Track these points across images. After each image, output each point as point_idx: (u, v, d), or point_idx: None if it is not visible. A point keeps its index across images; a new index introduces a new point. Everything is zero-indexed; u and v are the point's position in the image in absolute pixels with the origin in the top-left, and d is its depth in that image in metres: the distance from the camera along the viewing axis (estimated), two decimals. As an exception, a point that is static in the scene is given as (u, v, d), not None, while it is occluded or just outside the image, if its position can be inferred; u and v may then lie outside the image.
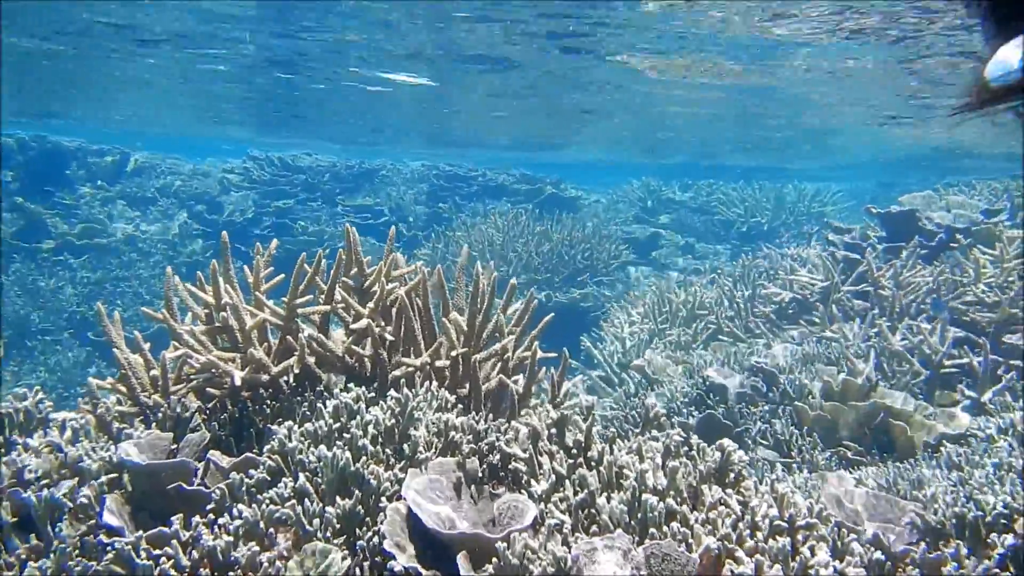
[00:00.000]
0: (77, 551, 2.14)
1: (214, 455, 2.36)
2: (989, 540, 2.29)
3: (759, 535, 1.86)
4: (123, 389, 2.78)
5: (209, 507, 2.25)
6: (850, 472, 3.53)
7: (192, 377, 2.80)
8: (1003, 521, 2.34)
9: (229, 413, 2.61)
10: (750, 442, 3.95)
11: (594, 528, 2.02)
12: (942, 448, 3.53)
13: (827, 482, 2.81)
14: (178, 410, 2.62)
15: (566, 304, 9.57)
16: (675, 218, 15.52)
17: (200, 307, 2.89)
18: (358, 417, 2.31)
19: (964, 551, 2.17)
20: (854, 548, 1.98)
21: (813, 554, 1.87)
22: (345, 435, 2.28)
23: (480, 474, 2.35)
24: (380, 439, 2.34)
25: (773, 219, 14.42)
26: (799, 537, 1.93)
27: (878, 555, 2.07)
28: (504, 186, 16.31)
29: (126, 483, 2.39)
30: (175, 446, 2.51)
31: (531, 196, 15.83)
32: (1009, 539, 2.25)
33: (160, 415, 2.63)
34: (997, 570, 2.16)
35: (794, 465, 3.61)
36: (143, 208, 14.74)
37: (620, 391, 5.22)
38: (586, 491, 2.09)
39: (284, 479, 2.24)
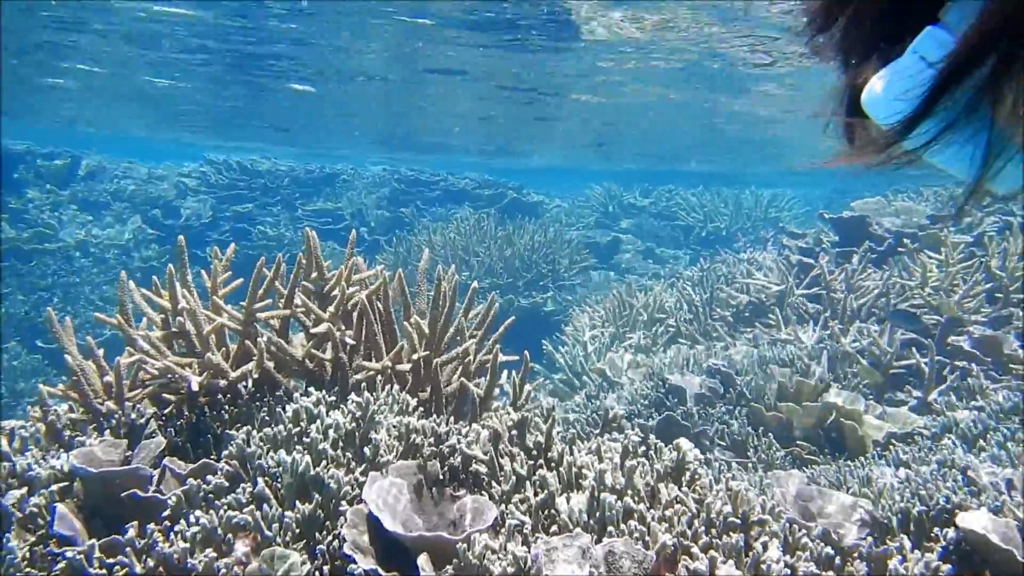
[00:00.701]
0: (26, 562, 2.10)
1: (170, 461, 2.34)
2: (932, 534, 2.37)
3: (713, 531, 1.90)
4: (75, 396, 2.73)
5: (165, 514, 2.23)
6: (803, 470, 3.61)
7: (147, 383, 2.76)
8: (945, 516, 2.42)
9: (186, 419, 2.58)
10: (708, 443, 4.01)
11: (554, 528, 2.05)
12: (891, 446, 3.63)
13: (780, 480, 2.87)
14: (133, 416, 2.59)
15: (528, 308, 9.61)
16: (636, 223, 15.67)
17: (156, 312, 2.85)
18: (318, 421, 2.31)
19: (908, 545, 2.24)
20: (805, 543, 2.03)
21: (765, 549, 1.91)
22: (305, 439, 2.27)
23: (441, 476, 2.35)
24: (341, 443, 2.34)
25: (731, 224, 14.64)
26: (752, 533, 1.97)
27: (828, 550, 2.12)
28: (466, 191, 16.31)
29: (78, 491, 2.35)
30: (130, 453, 2.48)
31: (493, 201, 15.87)
32: (951, 532, 2.33)
33: (114, 422, 2.60)
34: (939, 563, 2.23)
35: (750, 465, 3.68)
36: (96, 213, 14.44)
37: (581, 394, 5.26)
38: (546, 492, 2.11)
39: (243, 484, 2.22)
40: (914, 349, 4.50)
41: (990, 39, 0.48)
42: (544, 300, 10.08)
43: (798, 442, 3.89)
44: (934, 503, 2.38)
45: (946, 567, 2.14)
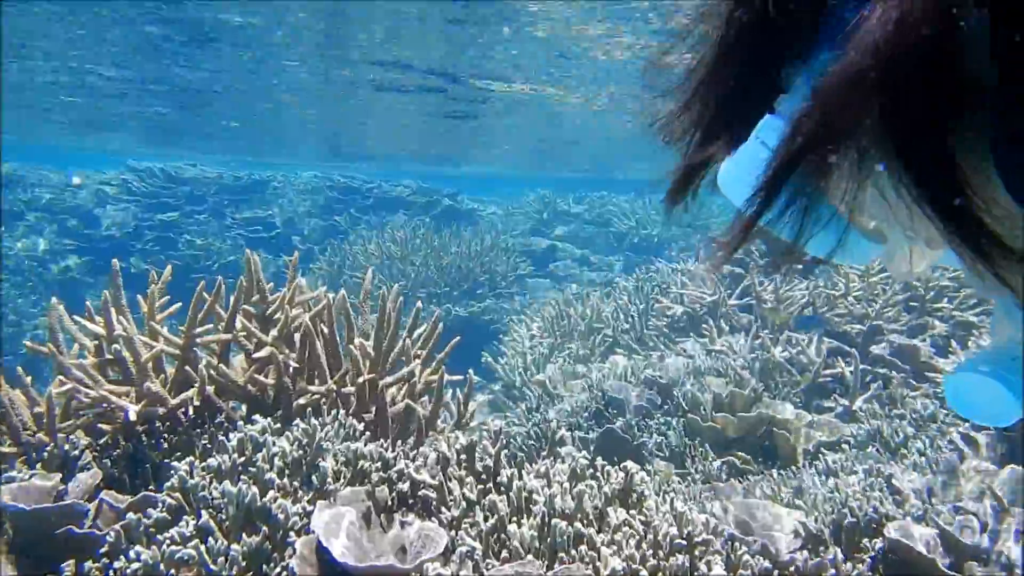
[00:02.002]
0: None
1: (108, 495, 2.28)
2: (862, 544, 2.48)
3: (660, 554, 1.96)
4: (2, 428, 2.64)
5: (103, 551, 2.17)
6: (739, 480, 3.72)
7: (81, 412, 2.68)
8: (873, 526, 2.53)
9: (123, 449, 2.52)
10: (647, 455, 4.10)
11: (505, 553, 2.07)
12: (820, 455, 3.77)
13: (719, 492, 2.97)
14: (66, 448, 2.51)
15: (465, 318, 9.62)
16: (570, 230, 15.83)
17: (88, 338, 2.77)
18: (264, 450, 2.28)
19: (840, 556, 2.34)
20: (746, 560, 2.10)
21: (710, 569, 1.98)
22: (251, 469, 2.25)
23: (390, 502, 2.36)
24: (287, 471, 2.32)
25: (663, 232, 14.92)
26: (696, 553, 2.04)
27: (766, 563, 2.21)
28: (400, 198, 16.24)
29: (7, 529, 2.27)
30: (63, 487, 2.41)
31: (428, 208, 15.84)
32: (879, 543, 2.44)
33: (45, 454, 2.51)
34: (869, 573, 2.34)
35: (689, 477, 3.77)
36: (9, 223, 13.82)
37: (522, 406, 5.30)
38: (496, 517, 2.13)
39: (185, 517, 2.18)
40: (839, 358, 4.69)
41: (803, 145, 0.53)
42: (482, 309, 10.11)
43: (734, 451, 4.01)
44: (863, 514, 2.50)
45: (876, 577, 2.24)
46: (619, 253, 15.05)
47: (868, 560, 2.34)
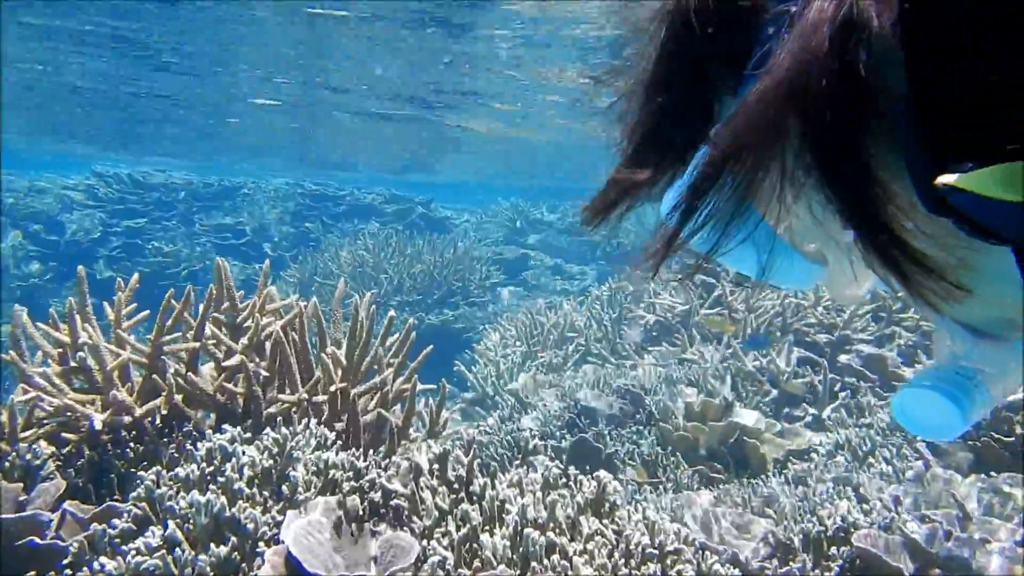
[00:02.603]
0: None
1: (71, 505, 2.23)
2: (830, 552, 2.51)
3: (632, 563, 1.96)
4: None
5: (65, 562, 2.13)
6: (710, 489, 3.74)
7: (44, 421, 2.63)
8: (841, 534, 2.56)
9: (87, 459, 2.47)
10: (620, 463, 4.11)
11: (477, 563, 2.06)
12: (789, 464, 3.80)
13: (690, 502, 2.98)
14: (28, 457, 2.45)
15: (438, 326, 9.60)
16: (543, 239, 15.85)
17: (52, 345, 2.72)
18: (233, 459, 2.25)
19: (809, 565, 2.36)
20: (716, 569, 2.11)
21: (682, 577, 1.99)
22: (219, 479, 2.22)
23: (361, 512, 2.33)
24: (256, 481, 2.29)
25: (636, 241, 14.99)
26: (668, 562, 2.04)
27: (736, 572, 2.22)
28: (373, 206, 16.16)
29: (-30, 540, 2.22)
30: (25, 497, 2.35)
31: (401, 216, 15.77)
32: (847, 551, 2.47)
33: (7, 464, 2.46)
34: (839, 580, 2.37)
35: (661, 486, 3.79)
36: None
37: (495, 415, 5.29)
38: (468, 526, 2.12)
39: (152, 528, 2.15)
40: (808, 367, 4.74)
41: (721, 158, 0.54)
42: (454, 317, 10.08)
43: (704, 460, 4.03)
44: (832, 522, 2.52)
45: (845, 585, 2.26)
46: (592, 262, 15.10)
47: (836, 568, 2.36)
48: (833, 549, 2.44)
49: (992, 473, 2.83)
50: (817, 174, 0.50)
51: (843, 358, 4.83)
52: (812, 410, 4.44)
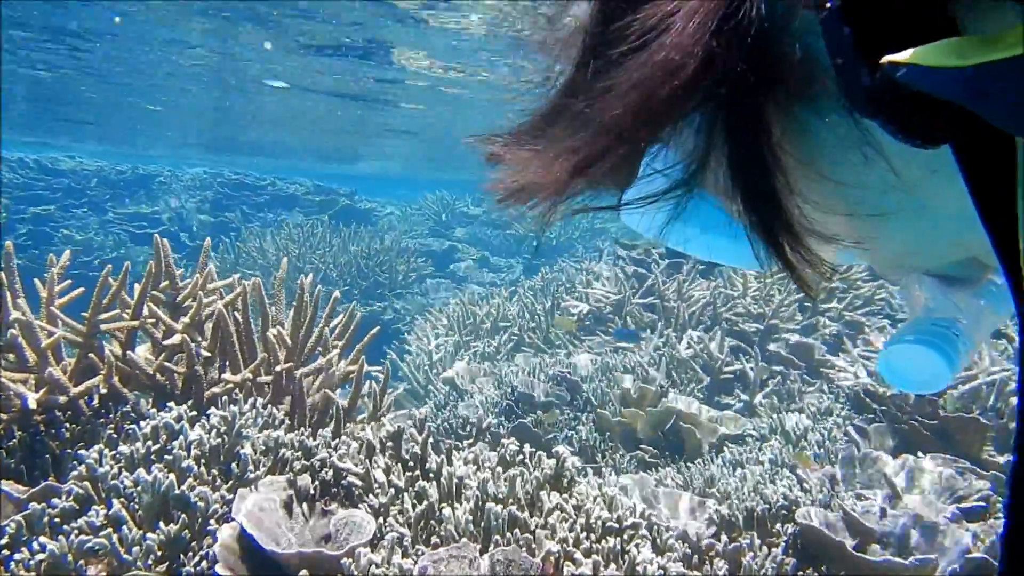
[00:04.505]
0: None
1: (6, 485, 2.11)
2: (774, 530, 2.59)
3: (593, 537, 1.98)
4: None
5: (2, 542, 2.01)
6: (648, 473, 3.81)
7: (-31, 401, 2.48)
8: (784, 512, 2.65)
9: (19, 439, 2.34)
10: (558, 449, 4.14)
11: (435, 539, 2.04)
12: (725, 448, 3.91)
13: (637, 484, 3.03)
14: (-48, 438, 2.31)
15: (366, 317, 9.42)
16: (469, 232, 15.83)
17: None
18: (181, 437, 2.17)
19: (757, 542, 2.43)
20: (672, 544, 2.15)
21: (639, 552, 2.02)
22: (166, 457, 2.13)
23: (312, 491, 2.29)
24: (203, 459, 2.21)
25: (560, 235, 15.14)
26: (626, 536, 2.07)
27: (687, 549, 2.27)
28: (296, 196, 15.83)
29: None
30: (-50, 479, 2.22)
31: (325, 207, 15.50)
32: (790, 528, 2.55)
33: (-71, 445, 2.31)
34: (783, 557, 2.44)
35: (602, 470, 3.83)
36: None
37: (430, 403, 5.25)
38: (426, 503, 2.10)
39: (95, 507, 2.05)
40: (740, 355, 4.88)
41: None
42: (382, 308, 9.98)
43: (642, 446, 4.10)
44: (775, 501, 2.60)
45: (790, 560, 2.34)
46: (518, 255, 15.17)
47: (782, 544, 2.44)
48: (778, 526, 2.51)
49: (919, 454, 2.97)
50: (725, 149, 0.51)
51: (772, 346, 4.99)
52: (744, 396, 4.57)
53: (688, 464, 3.80)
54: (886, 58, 0.41)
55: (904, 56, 0.40)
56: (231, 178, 16.19)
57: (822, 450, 3.41)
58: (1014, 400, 3.08)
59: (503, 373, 5.13)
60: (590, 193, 0.65)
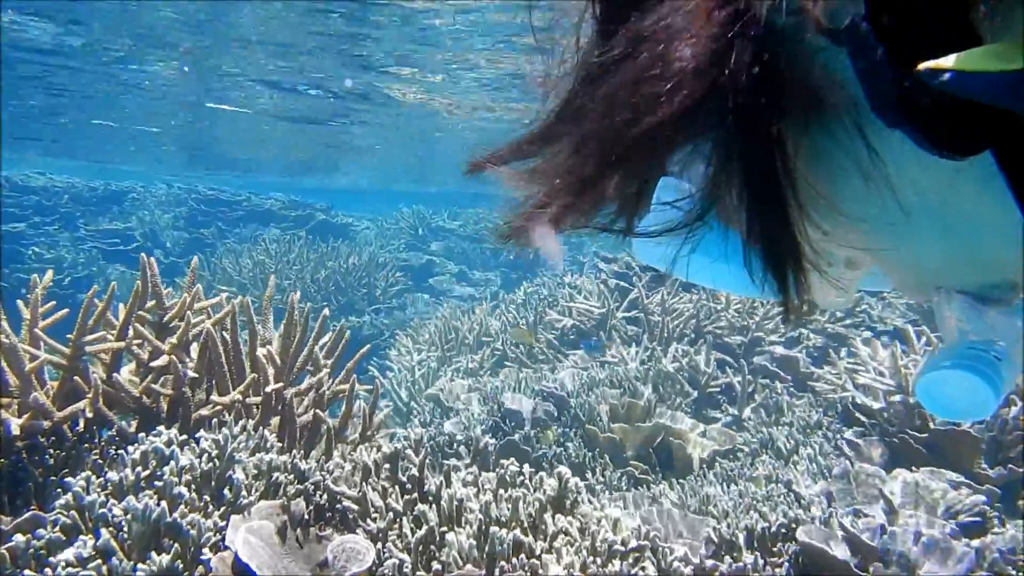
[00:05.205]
0: None
1: (-11, 517, 2.03)
2: (775, 549, 2.57)
3: (599, 560, 1.94)
4: None
5: (-17, 579, 1.93)
6: (639, 489, 3.79)
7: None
8: (784, 531, 2.62)
9: (0, 467, 2.25)
10: (548, 466, 4.09)
11: (436, 565, 1.99)
12: (716, 463, 3.89)
13: (630, 502, 3.00)
14: (-71, 466, 2.22)
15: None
16: (446, 246, 15.79)
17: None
18: (172, 462, 2.10)
19: (761, 563, 2.41)
20: (676, 567, 2.12)
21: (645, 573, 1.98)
22: (156, 483, 2.06)
23: (307, 516, 2.23)
24: (195, 485, 2.14)
25: (539, 248, 15.12)
26: (631, 560, 2.04)
27: (688, 569, 2.24)
28: (272, 211, 15.69)
29: None
30: (-73, 509, 2.13)
31: (301, 222, 15.38)
32: (792, 547, 2.53)
33: (-96, 474, 2.22)
34: None
35: (595, 487, 3.79)
36: None
37: (415, 420, 5.19)
38: (426, 527, 2.05)
39: (82, 537, 1.97)
40: (727, 368, 4.88)
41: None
42: (361, 324, 9.88)
43: (632, 462, 4.07)
44: (774, 519, 2.58)
45: (794, 580, 2.32)
46: (496, 269, 15.14)
47: (785, 564, 2.42)
48: (779, 545, 2.49)
49: (913, 468, 2.97)
50: (738, 174, 0.50)
51: (757, 359, 4.99)
52: (733, 410, 4.56)
53: (680, 480, 3.78)
54: (925, 64, 0.40)
55: (946, 62, 0.40)
56: (206, 193, 16.03)
57: (814, 465, 3.40)
58: (1004, 412, 3.10)
59: (489, 389, 5.08)
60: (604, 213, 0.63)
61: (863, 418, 3.70)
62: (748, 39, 0.45)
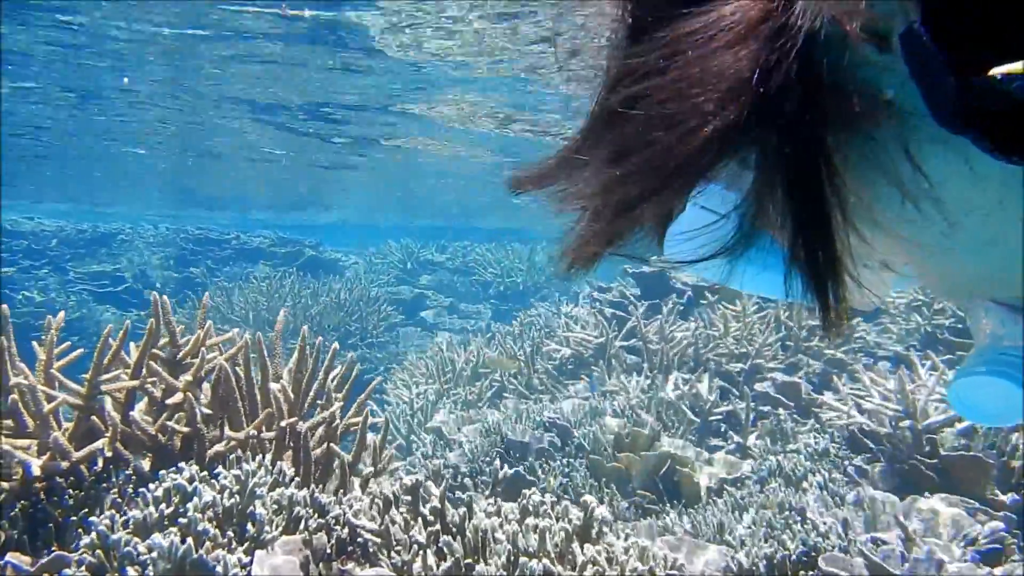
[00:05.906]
0: None
1: (13, 557, 2.01)
2: (796, 576, 2.57)
3: (629, 586, 1.94)
4: None
5: (6, 622, 1.90)
6: (647, 519, 3.78)
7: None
8: (804, 559, 2.62)
9: (21, 508, 2.23)
10: (555, 497, 4.08)
11: (464, 597, 1.99)
12: (724, 492, 3.89)
13: (643, 533, 2.99)
14: (-56, 509, 2.20)
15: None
16: (435, 279, 15.80)
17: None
18: (196, 499, 2.09)
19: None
20: (702, 589, 2.12)
21: (673, 599, 1.98)
22: (180, 520, 2.05)
23: (329, 550, 2.21)
24: (217, 521, 2.13)
25: (527, 279, 15.18)
26: (658, 585, 2.04)
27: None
28: (261, 249, 15.69)
29: None
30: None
31: (290, 259, 15.38)
32: (814, 575, 2.53)
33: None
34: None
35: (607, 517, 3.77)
36: None
37: (417, 453, 5.17)
38: (452, 559, 2.05)
39: (106, 578, 1.96)
40: (730, 396, 4.90)
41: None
42: (356, 358, 9.84)
43: (639, 491, 4.07)
44: (794, 547, 2.58)
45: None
46: (485, 301, 15.15)
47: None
48: (800, 573, 2.49)
49: (926, 494, 2.98)
50: (783, 187, 0.50)
51: (759, 386, 5.01)
52: (737, 438, 4.57)
53: (690, 509, 3.77)
54: (998, 69, 0.40)
55: (1018, 67, 0.40)
56: (194, 233, 16.04)
57: (825, 492, 3.41)
58: (1014, 437, 3.13)
59: (491, 421, 5.07)
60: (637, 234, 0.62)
61: (870, 444, 3.72)
62: (793, 50, 0.44)
